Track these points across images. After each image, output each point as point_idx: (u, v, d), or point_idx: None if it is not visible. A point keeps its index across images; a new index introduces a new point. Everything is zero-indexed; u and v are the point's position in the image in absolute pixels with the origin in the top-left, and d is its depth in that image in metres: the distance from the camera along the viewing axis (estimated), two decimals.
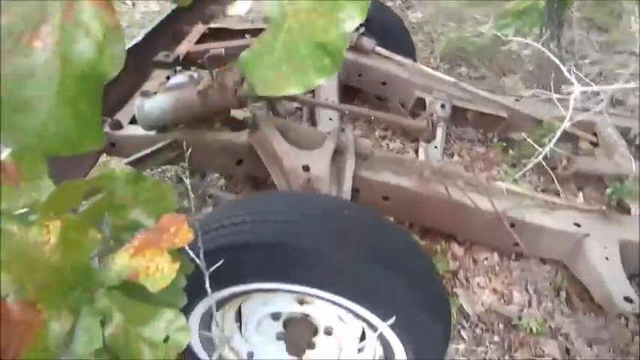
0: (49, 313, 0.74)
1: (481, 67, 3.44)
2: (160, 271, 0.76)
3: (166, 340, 0.77)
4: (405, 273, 1.24)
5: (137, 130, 1.78)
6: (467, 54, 3.57)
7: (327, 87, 2.46)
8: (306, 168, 1.56)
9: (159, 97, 1.67)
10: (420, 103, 2.55)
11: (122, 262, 0.80)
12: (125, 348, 0.78)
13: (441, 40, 3.76)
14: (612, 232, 1.83)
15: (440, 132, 2.43)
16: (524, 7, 2.56)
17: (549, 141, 2.27)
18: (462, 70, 3.44)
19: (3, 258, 0.69)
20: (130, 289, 0.79)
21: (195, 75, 1.71)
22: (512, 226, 1.83)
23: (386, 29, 2.75)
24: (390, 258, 1.24)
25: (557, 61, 2.31)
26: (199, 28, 2.48)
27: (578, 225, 1.83)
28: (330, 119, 2.26)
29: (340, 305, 1.26)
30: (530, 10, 2.58)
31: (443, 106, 2.43)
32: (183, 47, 2.32)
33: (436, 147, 2.37)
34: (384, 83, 2.61)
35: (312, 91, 2.38)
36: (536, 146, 2.24)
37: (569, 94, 2.12)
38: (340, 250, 1.16)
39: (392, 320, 1.17)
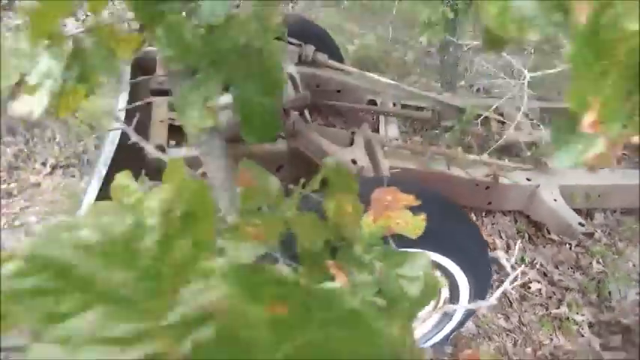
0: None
1: (386, 71, 4.01)
2: (410, 222, 1.04)
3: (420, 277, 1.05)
4: (464, 224, 1.64)
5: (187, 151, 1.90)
6: (373, 59, 4.11)
7: None
8: (354, 161, 1.86)
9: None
10: (372, 103, 2.99)
11: (369, 225, 1.05)
12: (388, 286, 1.03)
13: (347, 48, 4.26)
14: (552, 180, 2.44)
15: (395, 127, 2.89)
16: (435, 18, 3.15)
17: (480, 123, 2.87)
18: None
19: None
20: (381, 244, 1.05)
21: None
22: (487, 188, 2.34)
23: (318, 39, 3.13)
24: (456, 214, 1.63)
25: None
26: None
27: (529, 179, 2.40)
28: None
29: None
30: (439, 21, 3.18)
31: (394, 104, 2.89)
32: None
33: (397, 139, 2.82)
34: (338, 91, 2.98)
35: None
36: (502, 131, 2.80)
37: (523, 80, 2.71)
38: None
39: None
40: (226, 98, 1.82)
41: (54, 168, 2.65)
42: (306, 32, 3.05)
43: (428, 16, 3.18)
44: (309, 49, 2.88)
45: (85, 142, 2.78)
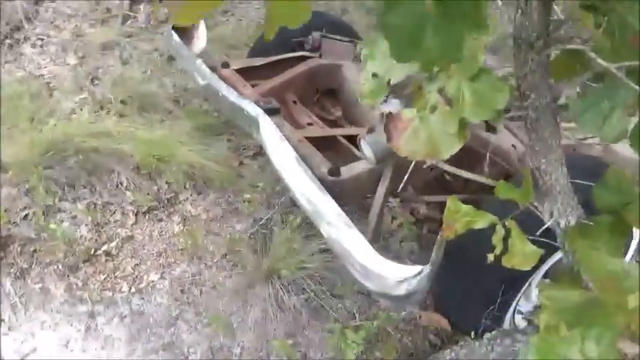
0: None
1: None
2: None
3: None
4: None
5: (355, 169, 1.87)
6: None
7: None
8: (514, 146, 2.00)
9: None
10: None
11: None
12: None
13: None
14: None
15: None
16: None
17: None
18: None
19: None
20: None
21: (401, 97, 1.88)
22: None
23: (340, 28, 3.12)
24: None
25: None
26: None
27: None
28: None
29: None
30: None
31: None
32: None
33: None
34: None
35: None
36: None
37: None
38: None
39: None
40: (393, 106, 1.84)
41: (137, 215, 2.43)
42: (329, 24, 3.02)
43: None
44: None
45: (157, 181, 2.56)
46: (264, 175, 2.76)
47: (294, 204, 2.55)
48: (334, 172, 1.85)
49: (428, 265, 1.28)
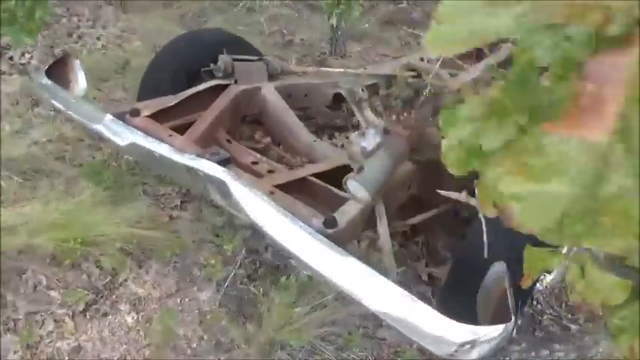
0: None
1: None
2: None
3: None
4: None
5: (349, 214, 1.70)
6: None
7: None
8: None
9: (375, 164, 1.67)
10: (338, 97, 2.98)
11: None
12: None
13: None
14: None
15: (369, 111, 2.99)
16: None
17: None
18: None
19: None
20: None
21: (377, 128, 1.75)
22: None
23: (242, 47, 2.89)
24: None
25: None
26: None
27: None
28: None
29: None
30: None
31: (362, 90, 2.96)
32: None
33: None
34: (306, 95, 2.87)
35: None
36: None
37: None
38: None
39: None
40: (371, 140, 1.70)
41: (74, 317, 1.98)
42: (231, 44, 2.78)
43: None
44: (276, 62, 2.68)
45: (84, 267, 2.10)
46: (202, 225, 2.44)
47: (252, 251, 2.32)
48: (332, 222, 1.67)
49: (511, 322, 1.22)
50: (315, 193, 1.92)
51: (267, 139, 2.58)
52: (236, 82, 2.51)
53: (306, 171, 1.96)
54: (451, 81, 3.13)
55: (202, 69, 2.57)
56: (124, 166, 2.72)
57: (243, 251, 2.23)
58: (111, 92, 3.27)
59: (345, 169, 1.94)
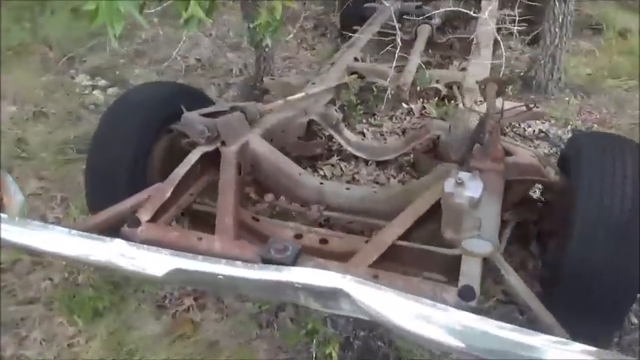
0: None
1: None
2: None
3: None
4: None
5: (476, 275, 1.49)
6: None
7: None
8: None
9: (489, 213, 1.49)
10: (311, 124, 2.70)
11: None
12: None
13: None
14: None
15: (347, 131, 2.77)
16: None
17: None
18: None
19: None
20: None
21: (473, 171, 1.55)
22: None
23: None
24: None
25: None
26: None
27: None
28: None
29: None
30: None
31: (336, 110, 2.72)
32: None
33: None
34: (283, 131, 2.54)
35: None
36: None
37: None
38: None
39: None
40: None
41: None
42: (192, 97, 2.36)
43: None
44: (252, 107, 2.30)
45: None
46: (236, 323, 2.03)
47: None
48: (469, 293, 1.44)
49: None
50: (411, 259, 1.67)
51: (270, 196, 2.23)
52: (223, 143, 2.10)
53: (389, 235, 1.68)
54: (396, 77, 3.03)
55: (185, 140, 2.11)
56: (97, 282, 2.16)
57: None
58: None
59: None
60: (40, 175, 2.85)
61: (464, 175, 1.53)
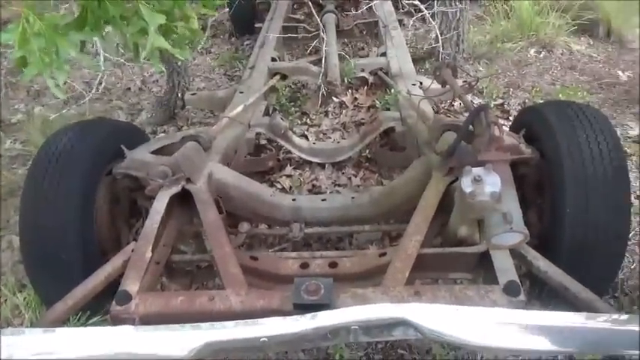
0: None
1: None
2: None
3: None
4: None
5: (510, 267, 1.50)
6: None
7: None
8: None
9: (512, 202, 1.47)
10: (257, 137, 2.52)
11: None
12: None
13: None
14: None
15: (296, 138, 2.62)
16: None
17: None
18: None
19: None
20: None
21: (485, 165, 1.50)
22: None
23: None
24: None
25: None
26: None
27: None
28: None
29: None
30: None
31: (282, 118, 2.56)
32: None
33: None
34: (235, 151, 2.32)
35: None
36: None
37: None
38: None
39: None
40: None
41: None
42: (126, 133, 2.08)
43: None
44: (204, 133, 2.05)
45: None
46: None
47: None
48: (515, 288, 1.41)
49: None
50: (437, 264, 1.60)
51: (245, 225, 2.03)
52: (188, 180, 1.85)
53: (411, 246, 1.58)
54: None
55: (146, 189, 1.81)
56: None
57: None
58: None
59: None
60: None
61: (479, 170, 1.48)
